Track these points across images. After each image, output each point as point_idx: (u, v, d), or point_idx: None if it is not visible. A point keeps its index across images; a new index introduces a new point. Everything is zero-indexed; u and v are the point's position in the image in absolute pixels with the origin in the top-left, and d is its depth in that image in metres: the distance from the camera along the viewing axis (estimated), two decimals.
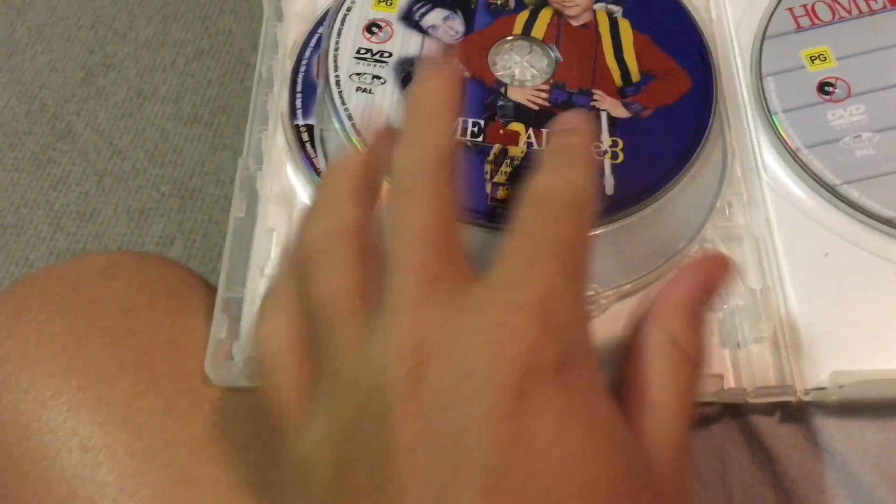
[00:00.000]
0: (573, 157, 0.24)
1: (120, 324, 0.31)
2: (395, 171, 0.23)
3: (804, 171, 0.33)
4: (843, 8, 0.36)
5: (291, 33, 0.35)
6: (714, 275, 0.24)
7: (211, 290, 0.34)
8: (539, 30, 0.35)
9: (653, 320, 0.23)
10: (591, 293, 0.29)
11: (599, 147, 0.32)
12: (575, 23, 0.36)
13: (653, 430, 0.21)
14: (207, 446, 0.28)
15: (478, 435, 0.18)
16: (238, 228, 0.30)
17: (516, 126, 0.32)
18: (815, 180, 0.32)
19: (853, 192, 0.32)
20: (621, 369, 0.23)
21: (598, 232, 0.30)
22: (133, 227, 0.95)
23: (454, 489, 0.18)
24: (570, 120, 0.26)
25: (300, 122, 0.33)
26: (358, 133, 0.31)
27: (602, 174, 0.31)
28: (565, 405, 0.19)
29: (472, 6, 0.36)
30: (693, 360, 0.23)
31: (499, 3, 0.36)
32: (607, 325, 0.28)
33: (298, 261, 0.23)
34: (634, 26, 0.36)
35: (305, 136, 0.33)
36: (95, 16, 1.11)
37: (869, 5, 0.36)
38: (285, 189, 0.32)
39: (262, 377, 0.23)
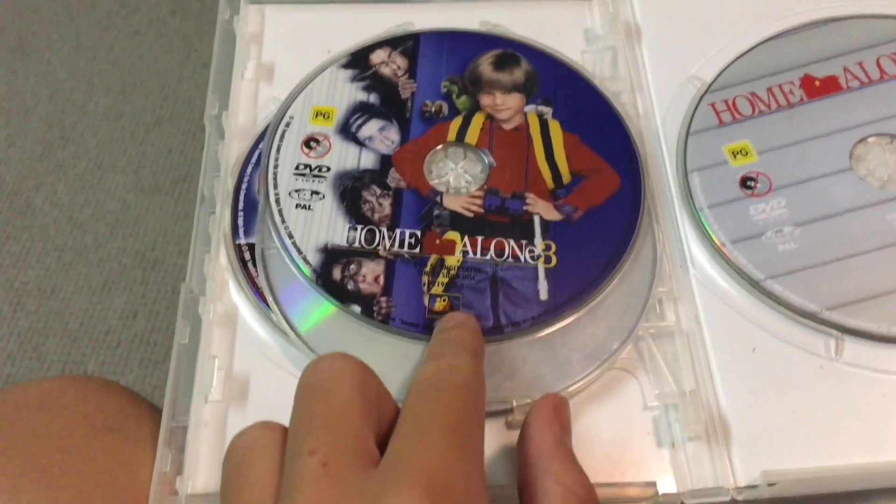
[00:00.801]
0: (454, 346, 0.27)
1: (56, 463, 0.31)
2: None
3: (730, 266, 0.34)
4: (763, 102, 0.38)
5: (233, 150, 0.36)
6: (563, 413, 0.27)
7: (153, 413, 0.34)
8: (472, 135, 0.37)
9: (543, 475, 0.25)
10: (529, 401, 0.30)
11: (533, 251, 0.33)
12: (507, 126, 0.37)
13: None
14: None
15: None
16: (181, 354, 0.31)
17: (452, 235, 0.33)
18: (740, 275, 0.34)
19: (777, 287, 0.33)
20: None
21: (534, 337, 0.32)
22: (95, 301, 0.95)
23: None
24: (453, 318, 0.30)
25: (242, 240, 0.34)
26: (298, 252, 0.32)
27: (536, 278, 0.33)
28: None
29: (407, 115, 0.37)
30: (589, 501, 0.25)
31: (433, 110, 0.37)
32: None
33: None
34: (564, 126, 0.37)
35: (247, 255, 0.34)
36: (53, 89, 1.12)
37: (787, 99, 0.38)
38: (228, 310, 0.33)
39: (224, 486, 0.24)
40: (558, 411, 0.27)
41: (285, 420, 0.24)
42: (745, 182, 0.36)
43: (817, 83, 0.38)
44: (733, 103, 0.38)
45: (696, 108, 0.38)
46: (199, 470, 0.29)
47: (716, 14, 0.42)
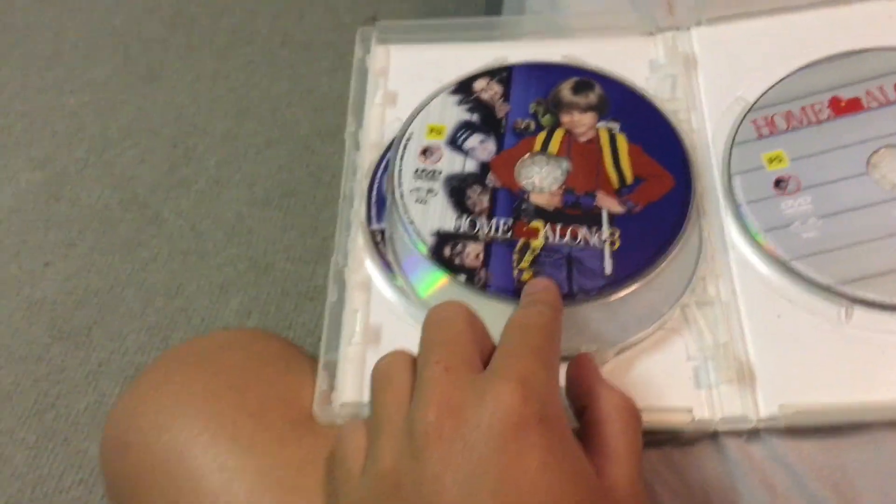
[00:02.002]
0: (539, 300, 0.36)
1: (242, 382, 0.41)
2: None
3: (762, 249, 0.42)
4: (796, 119, 0.46)
5: (366, 159, 0.46)
6: (591, 358, 0.37)
7: (305, 356, 0.44)
8: (554, 146, 0.46)
9: (597, 400, 0.34)
10: (595, 349, 0.39)
11: (601, 236, 0.42)
12: (582, 139, 0.46)
13: (612, 467, 0.32)
14: (308, 467, 0.38)
15: (487, 465, 0.28)
16: (332, 309, 0.41)
17: (537, 224, 0.43)
18: (770, 257, 0.42)
19: (800, 266, 0.41)
20: (584, 430, 0.34)
21: (600, 302, 0.40)
22: (214, 301, 1.04)
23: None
24: (539, 283, 0.38)
25: (374, 226, 0.44)
26: (418, 235, 0.42)
27: (602, 258, 0.41)
28: (545, 445, 0.29)
29: (502, 130, 0.46)
30: (634, 410, 0.34)
31: (522, 126, 0.47)
32: (609, 375, 0.38)
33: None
34: (629, 139, 0.46)
35: (378, 238, 0.43)
36: (177, 113, 1.22)
37: (817, 116, 0.46)
38: (364, 278, 0.43)
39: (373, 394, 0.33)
40: (590, 360, 0.36)
41: None
42: (778, 183, 0.44)
43: (843, 104, 0.46)
44: (771, 120, 0.46)
45: (740, 124, 0.46)
46: (346, 388, 0.40)
47: (760, 47, 0.49)
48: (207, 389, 0.41)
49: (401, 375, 0.32)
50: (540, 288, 0.38)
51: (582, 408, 0.35)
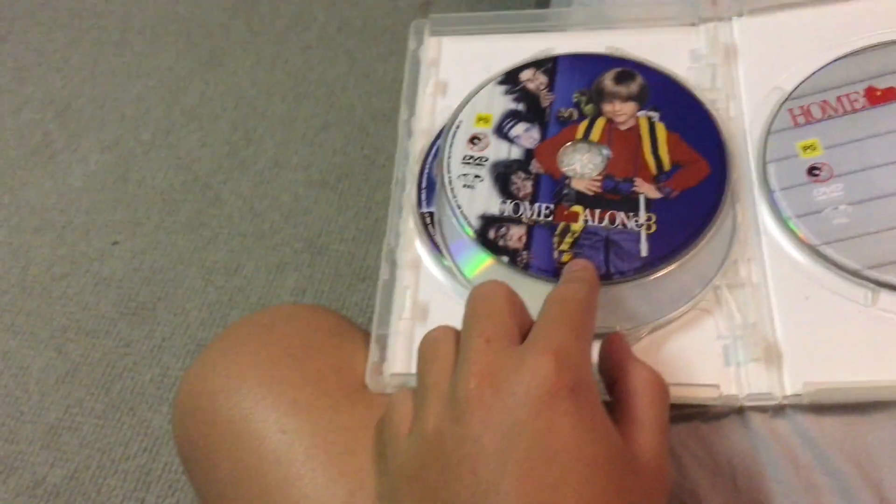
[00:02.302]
0: (578, 277, 0.38)
1: (302, 352, 0.45)
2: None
3: (794, 234, 0.44)
4: (832, 108, 0.47)
5: (418, 145, 0.49)
6: (624, 336, 0.39)
7: (358, 330, 0.48)
8: (595, 134, 0.48)
9: (627, 374, 0.36)
10: (630, 328, 0.41)
11: (638, 220, 0.44)
12: (622, 127, 0.48)
13: (639, 436, 0.34)
14: (360, 431, 0.42)
15: (523, 428, 0.31)
16: (384, 287, 0.45)
17: (577, 208, 0.45)
18: (801, 241, 0.44)
19: (829, 251, 0.43)
20: (614, 402, 0.36)
21: (636, 283, 0.43)
22: (271, 279, 1.07)
23: (508, 464, 0.31)
24: (577, 263, 0.41)
25: (424, 209, 0.47)
26: (465, 219, 0.45)
27: (639, 241, 0.44)
28: (576, 411, 0.31)
29: (546, 119, 0.49)
30: (663, 384, 0.36)
31: (565, 115, 0.49)
32: (642, 352, 0.41)
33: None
34: (668, 127, 0.48)
35: (428, 220, 0.46)
36: (238, 98, 1.25)
37: (853, 105, 0.47)
38: (414, 258, 0.46)
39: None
40: (623, 338, 0.38)
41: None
42: (812, 170, 0.46)
43: (878, 93, 0.47)
44: (808, 109, 0.48)
45: (776, 113, 0.48)
46: (396, 360, 0.43)
47: (798, 37, 0.51)
48: (270, 358, 0.44)
49: (445, 347, 0.35)
50: (578, 267, 0.40)
51: (613, 382, 0.37)
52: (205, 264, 1.10)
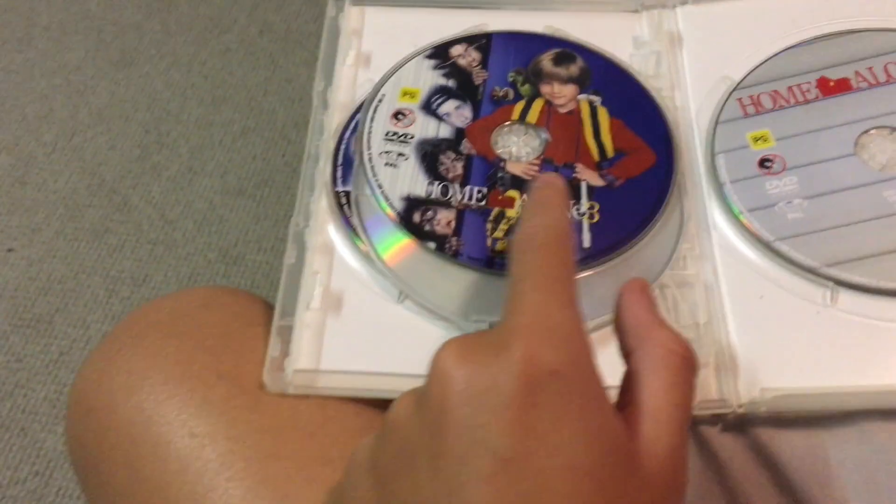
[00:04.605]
0: (544, 205, 0.29)
1: (219, 344, 0.39)
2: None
3: (745, 229, 0.40)
4: (783, 98, 0.44)
5: (334, 119, 0.44)
6: (649, 291, 0.30)
7: None
8: (532, 116, 0.44)
9: (644, 342, 0.28)
10: None
11: (580, 209, 0.40)
12: (562, 110, 0.44)
13: (648, 428, 0.26)
14: (285, 432, 0.36)
15: (489, 426, 0.24)
16: (290, 272, 0.39)
17: (512, 193, 0.40)
18: (754, 237, 0.40)
19: (784, 247, 0.39)
20: (627, 378, 0.28)
21: (578, 276, 0.38)
22: None
23: (472, 462, 0.24)
24: (543, 178, 0.32)
25: (339, 188, 0.42)
26: (385, 199, 0.40)
27: (581, 230, 0.39)
28: (561, 402, 0.24)
29: (479, 98, 0.44)
30: (689, 359, 0.27)
31: (500, 94, 0.44)
32: None
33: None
34: (611, 113, 0.44)
35: (343, 200, 0.41)
36: (151, 99, 1.19)
37: (804, 95, 0.44)
38: (327, 242, 0.40)
39: None
40: (645, 290, 0.30)
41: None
42: (763, 162, 0.42)
43: (831, 83, 0.44)
44: (758, 98, 0.45)
45: (725, 102, 0.45)
46: (301, 355, 0.37)
47: (746, 25, 0.48)
48: (181, 351, 0.38)
49: None
50: (542, 183, 0.31)
51: (629, 351, 0.29)
52: (109, 274, 1.04)
